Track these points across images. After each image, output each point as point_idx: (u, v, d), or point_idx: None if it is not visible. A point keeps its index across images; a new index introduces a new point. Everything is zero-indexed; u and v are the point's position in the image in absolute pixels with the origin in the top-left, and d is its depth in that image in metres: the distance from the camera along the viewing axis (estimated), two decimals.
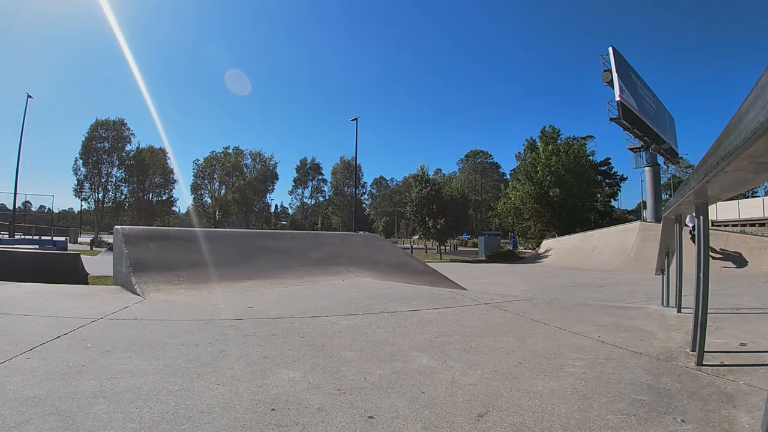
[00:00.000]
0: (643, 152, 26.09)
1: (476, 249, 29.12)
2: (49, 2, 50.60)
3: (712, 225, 22.11)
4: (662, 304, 3.19)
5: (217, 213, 51.32)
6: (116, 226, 4.65)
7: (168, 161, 46.00)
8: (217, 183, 52.95)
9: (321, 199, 59.78)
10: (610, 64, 24.08)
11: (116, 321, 2.43)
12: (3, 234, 25.68)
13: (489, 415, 1.21)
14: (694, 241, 5.91)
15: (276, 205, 63.75)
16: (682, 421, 1.16)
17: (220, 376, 1.51)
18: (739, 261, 9.49)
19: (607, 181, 37.57)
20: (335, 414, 1.21)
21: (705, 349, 1.66)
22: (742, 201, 29.03)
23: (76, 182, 42.12)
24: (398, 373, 1.57)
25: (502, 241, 32.18)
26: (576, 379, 1.51)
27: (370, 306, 2.96)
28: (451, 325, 2.44)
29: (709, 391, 1.38)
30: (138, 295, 3.32)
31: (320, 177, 59.71)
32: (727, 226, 24.85)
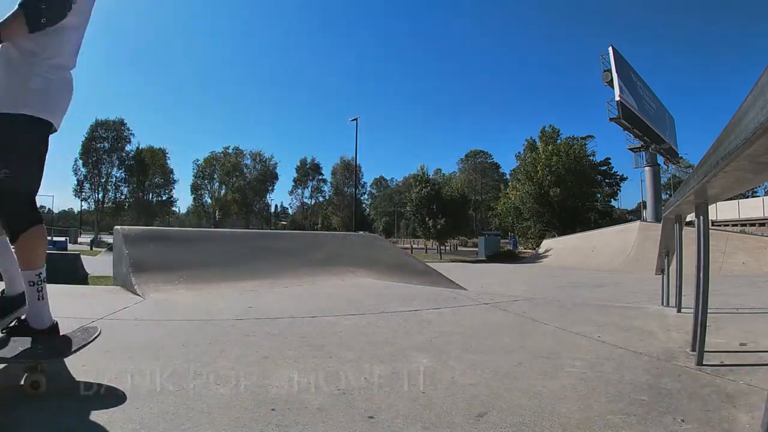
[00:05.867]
0: (643, 152, 26.13)
1: (476, 249, 29.11)
2: None
3: (712, 225, 22.13)
4: (662, 304, 3.19)
5: (217, 213, 51.30)
6: (116, 227, 4.65)
7: (168, 161, 45.97)
8: (217, 183, 52.94)
9: (321, 199, 59.74)
10: (610, 64, 24.11)
11: (116, 321, 2.43)
12: None
13: (489, 415, 1.21)
14: None
15: (276, 205, 63.74)
16: (683, 420, 1.16)
17: (220, 376, 1.51)
18: None
19: (607, 181, 37.58)
20: (335, 414, 1.21)
21: (705, 349, 1.66)
22: (742, 201, 29.05)
23: (75, 182, 42.11)
24: (398, 373, 1.57)
25: (502, 241, 32.16)
26: (576, 379, 1.51)
27: (370, 306, 2.96)
28: (451, 325, 2.44)
29: (709, 391, 1.38)
30: (138, 295, 3.32)
31: (320, 177, 59.68)
32: (727, 225, 24.86)
